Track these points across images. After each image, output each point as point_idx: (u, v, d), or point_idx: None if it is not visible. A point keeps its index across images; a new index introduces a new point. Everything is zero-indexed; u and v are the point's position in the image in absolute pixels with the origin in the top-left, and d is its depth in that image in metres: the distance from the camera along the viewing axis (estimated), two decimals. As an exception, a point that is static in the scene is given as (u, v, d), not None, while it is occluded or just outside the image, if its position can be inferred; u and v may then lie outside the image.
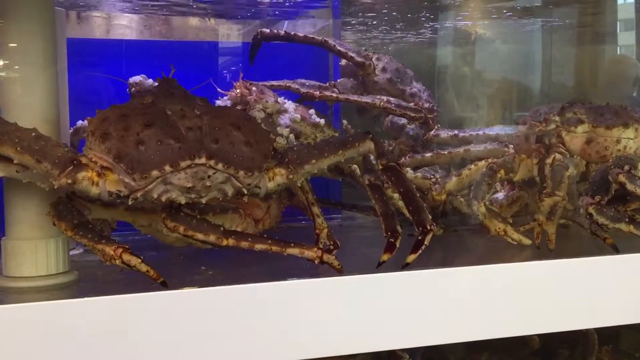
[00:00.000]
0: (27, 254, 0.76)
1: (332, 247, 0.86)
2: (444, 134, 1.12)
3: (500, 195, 1.08)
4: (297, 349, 0.72)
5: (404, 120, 1.16)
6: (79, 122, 1.04)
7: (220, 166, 0.71)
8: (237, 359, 0.70)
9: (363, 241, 1.09)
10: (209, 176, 0.71)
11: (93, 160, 0.71)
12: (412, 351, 0.89)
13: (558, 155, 0.94)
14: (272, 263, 0.92)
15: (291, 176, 0.77)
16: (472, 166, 0.99)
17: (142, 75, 1.04)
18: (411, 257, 0.78)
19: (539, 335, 1.34)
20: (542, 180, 0.94)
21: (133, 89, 1.03)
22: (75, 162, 0.70)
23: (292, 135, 0.95)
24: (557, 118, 0.98)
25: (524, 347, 1.32)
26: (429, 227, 0.79)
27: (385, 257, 0.79)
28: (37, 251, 0.76)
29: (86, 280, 0.80)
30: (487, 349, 1.34)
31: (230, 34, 1.27)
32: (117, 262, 0.69)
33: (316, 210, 0.89)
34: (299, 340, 0.72)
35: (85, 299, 0.65)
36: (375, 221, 1.22)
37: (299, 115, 1.00)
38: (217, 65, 1.22)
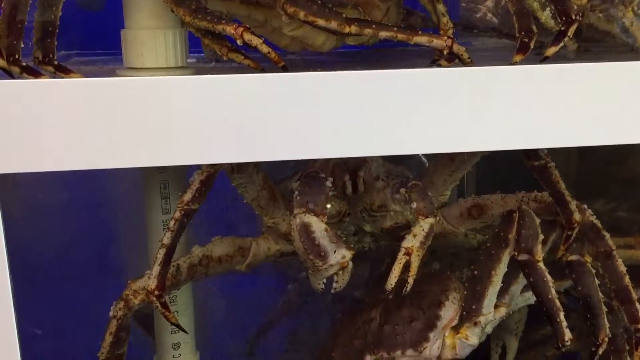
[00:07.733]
0: (146, 44, 0.75)
1: None
2: (586, -61, 0.98)
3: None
4: (424, 142, 0.69)
5: None
6: None
7: (345, -63, 0.65)
8: (349, 146, 0.68)
9: (484, 59, 1.01)
10: (333, -50, 0.65)
11: None
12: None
13: None
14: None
15: (420, -42, 0.70)
16: (621, -34, 0.86)
17: None
18: (551, 50, 0.70)
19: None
20: None
21: None
22: None
23: None
24: None
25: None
26: (573, 17, 0.71)
27: (517, 57, 0.72)
28: (157, 41, 0.75)
29: (204, 76, 0.79)
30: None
31: None
32: (238, 42, 0.66)
33: (441, 7, 0.82)
34: (423, 133, 0.68)
35: (210, 75, 0.64)
36: (497, 45, 1.14)
37: None
38: None
